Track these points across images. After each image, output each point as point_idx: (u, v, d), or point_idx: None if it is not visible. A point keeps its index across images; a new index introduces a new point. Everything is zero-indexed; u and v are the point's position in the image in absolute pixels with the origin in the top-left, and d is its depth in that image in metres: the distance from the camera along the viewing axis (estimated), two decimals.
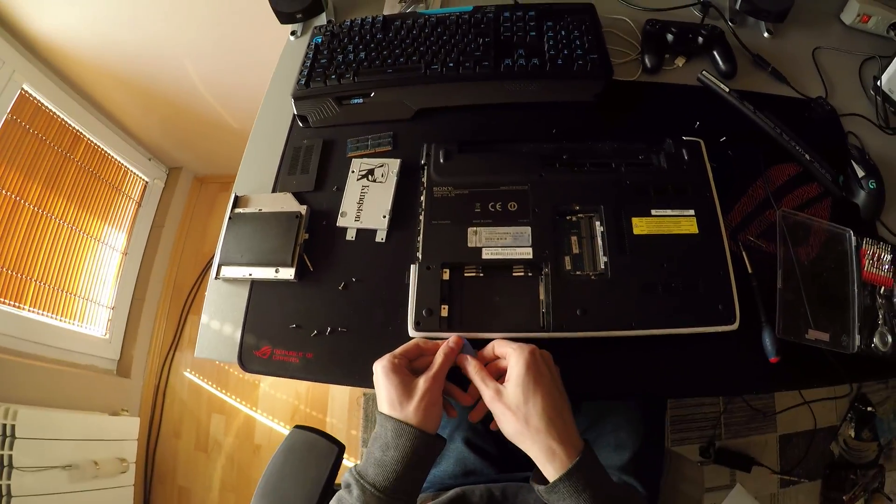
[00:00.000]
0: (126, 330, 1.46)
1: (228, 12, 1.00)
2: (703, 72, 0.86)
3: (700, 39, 0.87)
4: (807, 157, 0.84)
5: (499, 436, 0.82)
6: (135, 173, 1.47)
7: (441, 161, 0.71)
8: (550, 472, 0.51)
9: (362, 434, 1.56)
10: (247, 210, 0.78)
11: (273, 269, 0.74)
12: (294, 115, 0.84)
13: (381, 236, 0.73)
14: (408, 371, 0.56)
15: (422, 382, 0.55)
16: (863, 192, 0.82)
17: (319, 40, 0.87)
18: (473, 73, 0.78)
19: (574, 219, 0.69)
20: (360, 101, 0.81)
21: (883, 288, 0.77)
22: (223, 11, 1.00)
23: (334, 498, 0.54)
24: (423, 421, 0.53)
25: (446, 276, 0.64)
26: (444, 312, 0.63)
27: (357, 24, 0.87)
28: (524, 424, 0.52)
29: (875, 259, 0.78)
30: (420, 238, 0.67)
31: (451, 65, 0.79)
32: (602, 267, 0.66)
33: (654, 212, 0.68)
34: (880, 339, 0.73)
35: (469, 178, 0.70)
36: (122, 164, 1.42)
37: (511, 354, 0.55)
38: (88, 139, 1.27)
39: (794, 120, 0.88)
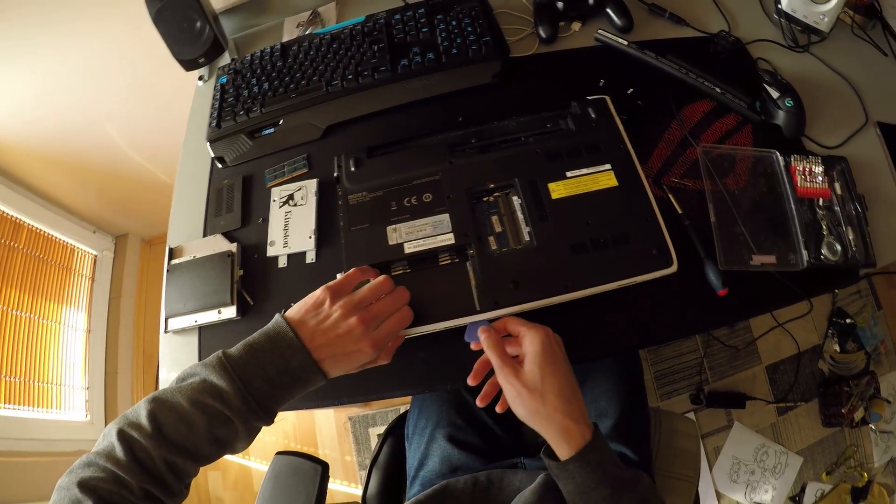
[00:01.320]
0: (105, 408, 1.44)
1: (138, 72, 1.02)
2: (599, 30, 0.87)
3: (591, 1, 0.87)
4: (717, 90, 0.84)
5: (482, 427, 0.81)
6: (82, 249, 1.47)
7: (352, 169, 0.71)
8: (565, 450, 0.51)
9: (356, 458, 1.55)
10: (182, 259, 0.78)
11: (216, 311, 0.74)
12: (212, 157, 0.84)
13: (311, 257, 0.73)
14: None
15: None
16: (781, 111, 0.83)
17: (224, 80, 0.88)
18: (373, 81, 0.79)
19: (491, 199, 0.69)
20: (272, 130, 0.82)
21: (821, 199, 0.78)
22: (133, 72, 1.01)
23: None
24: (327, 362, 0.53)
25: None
26: None
27: (257, 56, 0.88)
28: (541, 403, 0.52)
29: (807, 174, 0.78)
30: (343, 247, 0.67)
31: (351, 77, 0.79)
32: (527, 238, 0.66)
33: (569, 174, 0.68)
34: (829, 249, 0.74)
35: (382, 180, 0.70)
36: (68, 243, 1.42)
37: (526, 334, 0.55)
38: (29, 225, 1.27)
39: (701, 58, 0.89)
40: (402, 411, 0.94)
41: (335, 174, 0.73)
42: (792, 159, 0.79)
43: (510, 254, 0.65)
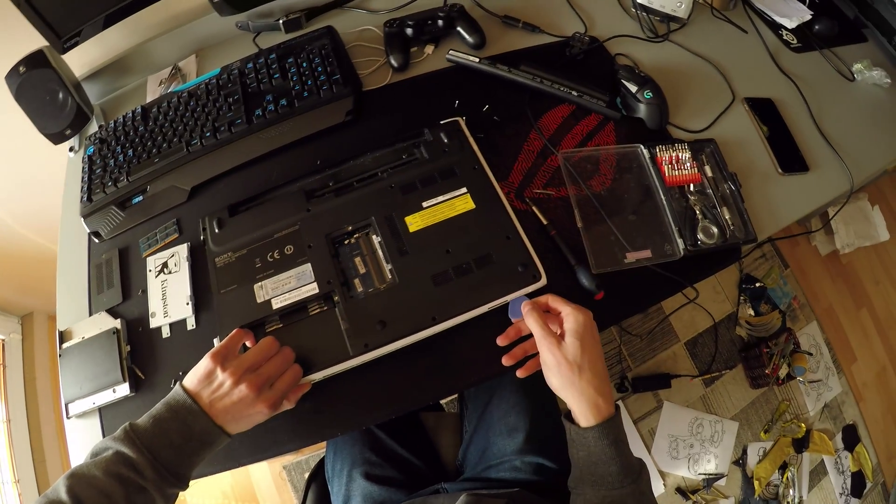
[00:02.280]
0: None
1: (13, 147, 1.00)
2: (451, 51, 0.88)
3: (440, 22, 0.88)
4: (573, 93, 0.87)
5: (399, 459, 0.83)
6: None
7: (216, 231, 0.72)
8: (589, 420, 0.57)
9: None
10: (72, 342, 0.77)
11: (111, 391, 0.74)
12: (88, 232, 0.83)
13: (191, 323, 0.73)
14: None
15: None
16: (642, 104, 0.85)
17: (91, 150, 0.87)
18: (230, 136, 0.79)
19: (352, 240, 0.70)
20: (141, 198, 0.81)
21: (692, 185, 0.80)
22: (7, 147, 0.99)
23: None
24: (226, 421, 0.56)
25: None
26: None
27: (120, 122, 0.87)
28: (577, 375, 0.57)
29: (674, 162, 0.80)
30: (215, 311, 0.67)
31: (209, 134, 0.80)
32: (389, 276, 0.67)
33: (425, 204, 0.71)
34: (704, 233, 0.76)
35: (244, 238, 0.70)
36: None
37: (570, 313, 0.59)
38: None
39: (559, 62, 0.91)
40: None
41: (201, 237, 0.73)
42: (657, 150, 0.81)
43: (375, 294, 0.66)
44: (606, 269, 0.72)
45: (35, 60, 0.83)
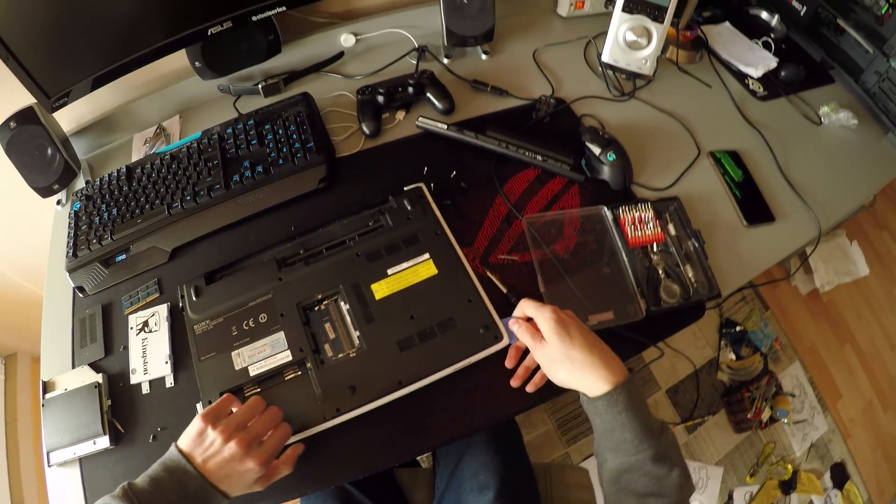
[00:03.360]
0: None
1: (5, 195, 1.04)
2: (420, 118, 0.94)
3: (410, 90, 0.94)
4: (538, 157, 0.91)
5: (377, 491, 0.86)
6: None
7: (194, 299, 0.77)
8: (599, 390, 0.61)
9: None
10: (55, 393, 0.82)
11: (91, 442, 0.78)
12: (73, 287, 0.87)
13: (169, 381, 0.78)
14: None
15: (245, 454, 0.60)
16: (605, 166, 0.90)
17: (78, 206, 0.92)
18: (209, 200, 0.85)
19: (322, 307, 0.75)
20: (124, 257, 0.86)
21: (655, 244, 0.83)
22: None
23: None
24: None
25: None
26: None
27: (105, 181, 0.92)
28: (571, 364, 0.62)
29: (637, 223, 0.84)
30: (196, 377, 0.72)
31: (189, 198, 0.85)
32: (357, 342, 0.72)
33: (389, 271, 0.76)
34: (666, 293, 0.79)
35: (221, 307, 0.76)
36: None
37: (537, 317, 0.66)
38: None
39: (526, 126, 0.97)
40: None
41: (180, 304, 0.78)
42: (620, 211, 0.84)
43: (344, 360, 0.72)
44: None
45: (25, 116, 0.89)
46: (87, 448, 0.78)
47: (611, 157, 0.89)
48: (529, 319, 0.69)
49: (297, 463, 0.68)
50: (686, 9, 1.13)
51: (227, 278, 0.79)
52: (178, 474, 0.57)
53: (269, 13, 0.85)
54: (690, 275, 0.80)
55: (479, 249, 0.83)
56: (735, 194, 0.92)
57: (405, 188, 0.84)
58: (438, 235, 0.78)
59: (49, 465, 0.80)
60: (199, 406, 0.73)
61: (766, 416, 1.61)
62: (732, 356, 1.74)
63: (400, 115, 0.97)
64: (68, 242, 0.89)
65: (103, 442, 0.78)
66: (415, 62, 1.04)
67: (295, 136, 0.88)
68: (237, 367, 0.72)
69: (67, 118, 1.00)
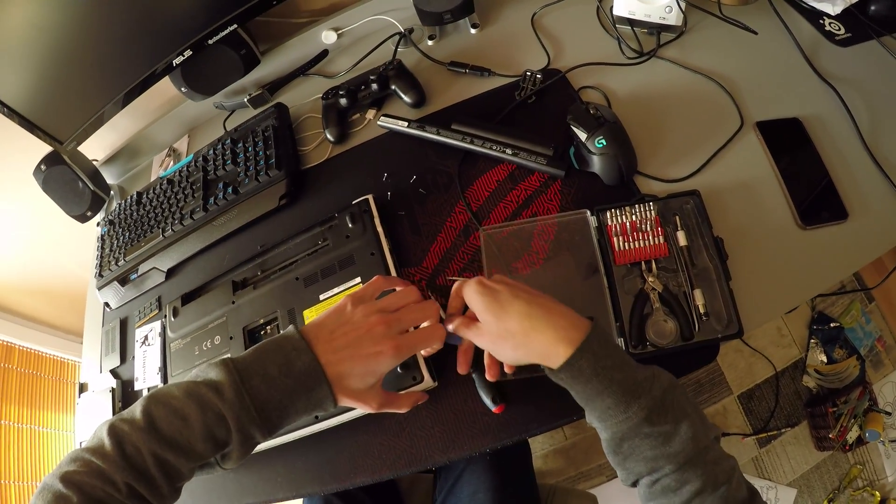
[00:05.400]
0: None
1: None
2: (382, 116, 0.92)
3: (374, 86, 0.93)
4: (507, 151, 0.82)
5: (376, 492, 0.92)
6: (74, 361, 1.78)
7: (172, 319, 0.87)
8: (560, 358, 0.52)
9: None
10: (86, 393, 1.01)
11: None
12: (102, 302, 1.05)
13: None
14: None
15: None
16: (594, 156, 0.76)
17: (105, 230, 1.09)
18: (193, 223, 0.95)
19: (266, 331, 0.81)
20: (135, 276, 1.01)
21: (654, 261, 0.68)
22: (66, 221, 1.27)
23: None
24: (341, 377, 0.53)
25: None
26: None
27: (123, 206, 1.08)
28: (512, 339, 0.54)
29: (629, 231, 0.70)
30: None
31: (177, 221, 0.96)
32: None
33: (321, 297, 0.78)
34: (655, 331, 0.64)
35: (190, 327, 0.86)
36: (58, 357, 1.73)
37: (464, 292, 0.58)
38: (20, 346, 1.62)
39: (504, 111, 0.88)
40: None
41: (162, 323, 0.90)
42: (608, 216, 0.71)
43: None
44: (518, 376, 0.63)
45: (52, 159, 1.08)
46: None
47: (600, 142, 0.75)
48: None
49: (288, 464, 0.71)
50: None
51: (199, 299, 0.88)
52: (286, 349, 0.52)
53: (222, 33, 0.90)
54: (700, 303, 0.65)
55: (428, 269, 0.79)
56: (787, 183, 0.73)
57: (353, 202, 0.83)
58: (373, 256, 0.76)
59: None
60: None
61: (852, 436, 1.36)
62: (823, 358, 1.48)
63: (370, 113, 0.96)
64: (96, 263, 1.06)
65: None
66: (395, 47, 1.00)
67: (261, 154, 0.93)
68: None
69: (100, 145, 1.17)
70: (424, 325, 0.60)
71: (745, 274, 0.68)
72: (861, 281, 1.58)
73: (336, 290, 0.77)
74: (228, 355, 0.55)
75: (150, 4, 0.87)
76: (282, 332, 0.55)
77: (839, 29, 0.87)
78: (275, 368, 0.50)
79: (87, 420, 0.97)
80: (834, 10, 0.88)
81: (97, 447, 0.46)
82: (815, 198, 0.72)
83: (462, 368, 0.63)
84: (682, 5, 0.87)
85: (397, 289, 0.61)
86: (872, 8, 0.87)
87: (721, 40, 0.90)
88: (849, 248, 0.70)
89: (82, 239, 1.19)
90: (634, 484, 0.53)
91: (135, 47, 0.92)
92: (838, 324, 1.50)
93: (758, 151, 0.78)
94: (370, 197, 0.83)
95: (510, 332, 0.54)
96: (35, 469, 1.59)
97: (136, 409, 0.49)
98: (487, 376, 0.63)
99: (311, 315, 0.78)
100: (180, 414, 0.48)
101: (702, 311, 0.65)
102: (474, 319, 0.58)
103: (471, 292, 0.57)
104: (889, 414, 1.44)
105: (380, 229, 0.80)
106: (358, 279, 0.77)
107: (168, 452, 0.47)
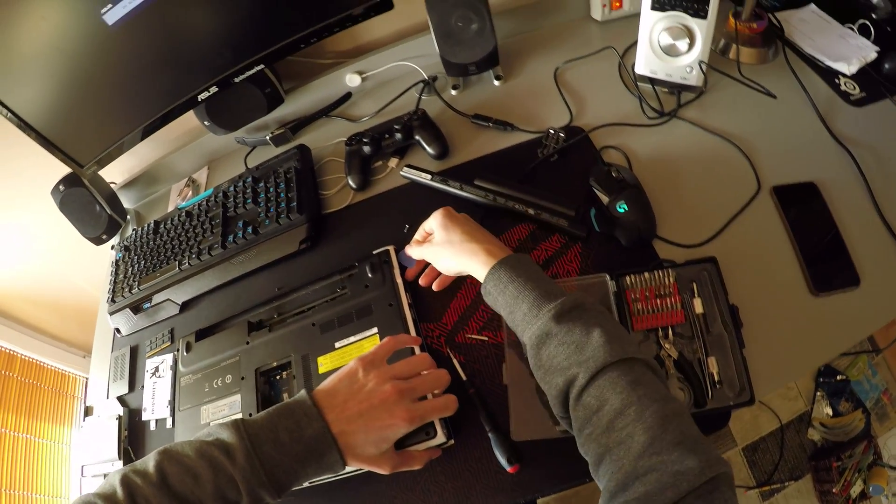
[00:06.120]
0: None
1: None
2: (404, 167, 0.95)
3: (398, 135, 0.96)
4: (530, 210, 0.84)
5: None
6: (74, 374, 1.80)
7: (185, 353, 0.90)
8: (484, 273, 0.65)
9: None
10: (91, 418, 1.03)
11: (110, 464, 0.98)
12: (113, 327, 1.07)
13: (169, 423, 0.93)
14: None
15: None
16: (615, 219, 0.79)
17: (119, 255, 1.11)
18: (210, 259, 0.98)
19: (282, 376, 0.83)
20: (149, 306, 1.03)
21: (671, 328, 0.70)
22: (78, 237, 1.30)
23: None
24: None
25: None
26: None
27: (139, 234, 1.10)
28: (451, 248, 0.69)
29: (647, 298, 0.71)
30: (175, 425, 0.86)
31: (194, 256, 0.98)
32: None
33: (337, 345, 0.81)
34: None
35: (202, 363, 0.88)
36: (59, 370, 1.75)
37: (429, 220, 0.75)
38: (22, 356, 1.63)
39: (528, 168, 0.90)
40: None
41: (174, 357, 0.92)
42: (627, 281, 0.72)
43: None
44: (532, 437, 0.66)
45: (71, 180, 1.10)
46: (107, 468, 0.98)
47: (621, 207, 0.78)
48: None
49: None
50: None
51: (212, 337, 0.91)
52: (298, 415, 0.54)
53: (249, 73, 0.94)
54: (714, 370, 0.67)
55: (447, 325, 0.80)
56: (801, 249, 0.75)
57: (373, 251, 0.86)
58: (392, 307, 0.79)
59: (83, 476, 1.01)
60: None
61: (856, 490, 1.39)
62: (829, 411, 1.52)
63: (393, 162, 0.98)
64: (109, 288, 1.09)
65: (118, 465, 0.96)
66: (419, 95, 1.05)
67: (283, 195, 0.96)
68: (202, 422, 0.84)
69: (120, 169, 1.20)
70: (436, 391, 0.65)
71: (758, 340, 0.70)
72: (872, 340, 1.61)
73: (352, 338, 0.80)
74: (239, 407, 0.56)
75: (181, 38, 0.91)
76: (293, 396, 0.57)
77: (854, 88, 0.91)
78: (286, 434, 0.53)
79: (91, 444, 0.99)
80: (850, 69, 0.92)
81: (109, 494, 0.49)
82: (828, 264, 0.74)
83: (409, 275, 0.82)
84: (704, 67, 0.90)
85: (409, 345, 0.68)
86: (886, 66, 0.90)
87: (740, 101, 0.93)
88: (860, 314, 0.71)
89: (95, 257, 1.21)
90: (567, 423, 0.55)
91: (161, 79, 0.95)
92: (845, 376, 1.52)
93: (773, 217, 0.80)
94: (391, 248, 0.86)
95: (451, 241, 0.69)
96: (28, 479, 1.60)
97: (148, 463, 0.51)
98: (421, 282, 0.81)
99: (325, 362, 0.81)
100: (192, 472, 0.50)
101: (716, 378, 0.67)
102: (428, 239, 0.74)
103: (435, 213, 0.73)
104: (894, 468, 1.46)
105: (399, 281, 0.83)
106: (375, 329, 0.80)
107: None
